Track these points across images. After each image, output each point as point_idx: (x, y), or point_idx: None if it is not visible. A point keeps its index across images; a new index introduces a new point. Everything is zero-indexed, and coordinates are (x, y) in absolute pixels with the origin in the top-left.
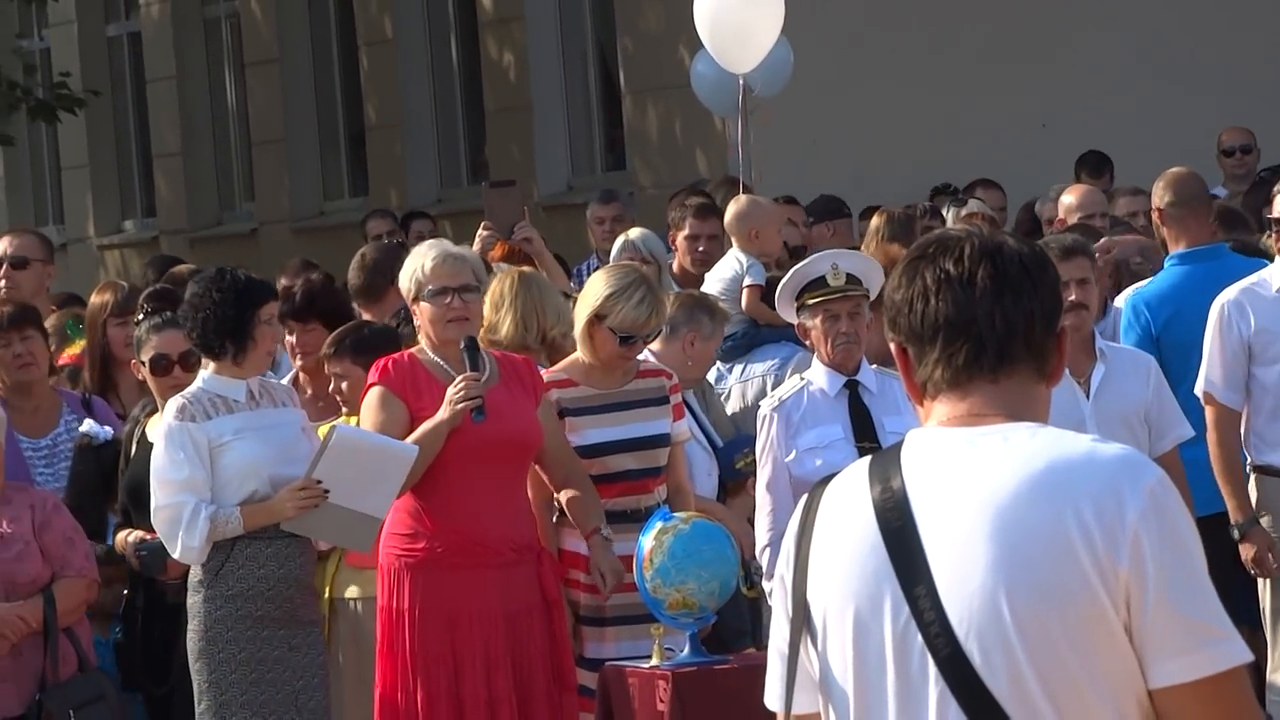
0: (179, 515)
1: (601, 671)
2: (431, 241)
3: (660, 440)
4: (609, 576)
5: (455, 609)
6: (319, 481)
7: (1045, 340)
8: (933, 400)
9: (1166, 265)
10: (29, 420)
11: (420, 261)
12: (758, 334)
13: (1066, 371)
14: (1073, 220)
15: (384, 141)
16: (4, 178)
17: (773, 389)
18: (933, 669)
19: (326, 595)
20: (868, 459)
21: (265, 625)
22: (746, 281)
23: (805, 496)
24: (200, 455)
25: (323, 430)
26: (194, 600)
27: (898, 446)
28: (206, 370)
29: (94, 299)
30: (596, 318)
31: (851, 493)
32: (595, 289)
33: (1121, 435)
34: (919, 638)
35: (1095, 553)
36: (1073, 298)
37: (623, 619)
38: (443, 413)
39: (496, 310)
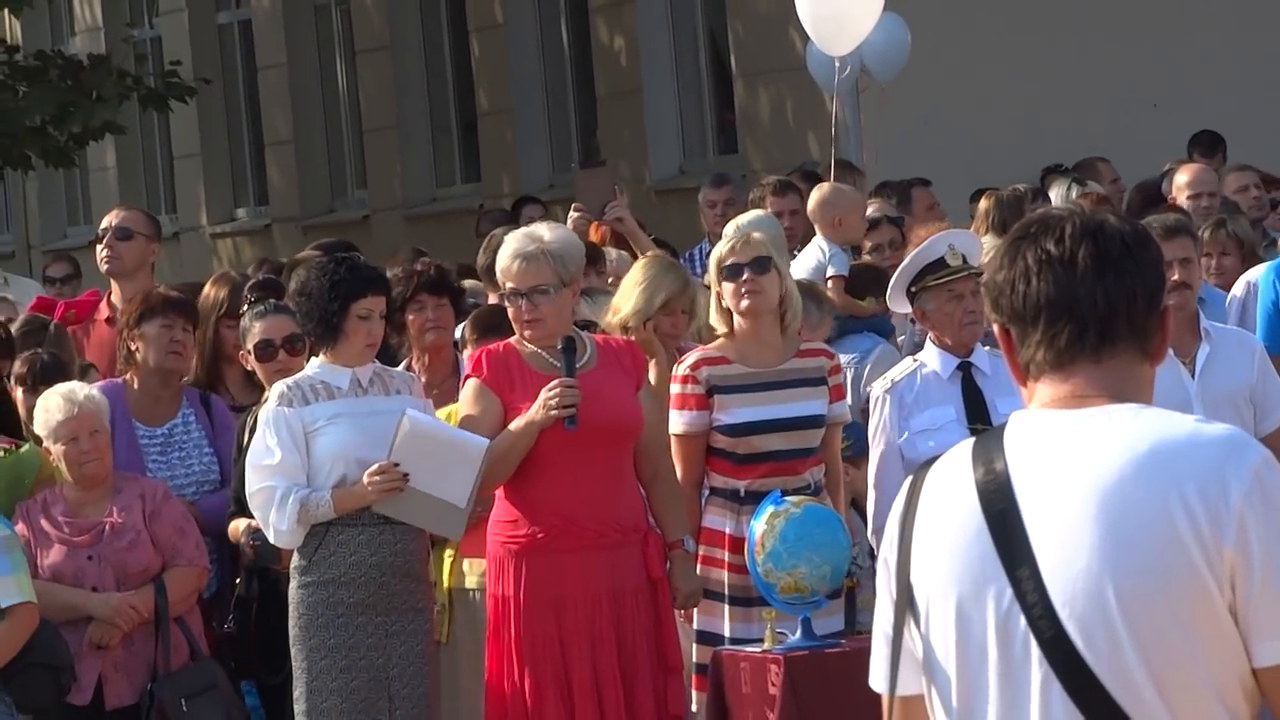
0: (270, 499)
1: (713, 655)
2: (516, 233)
3: (813, 422)
4: (681, 596)
5: (561, 593)
6: (397, 464)
7: (1148, 319)
8: (1036, 381)
9: None
10: (149, 408)
11: (499, 257)
12: (842, 325)
13: (1171, 352)
14: (1183, 199)
15: (495, 127)
16: (117, 167)
17: (853, 382)
18: (1035, 651)
19: (446, 585)
20: (971, 441)
21: (359, 612)
22: (830, 272)
23: (910, 479)
24: (295, 440)
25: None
26: (292, 587)
27: (1001, 428)
28: (317, 356)
29: (208, 291)
30: (716, 291)
31: (955, 475)
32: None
33: (1227, 415)
34: (1022, 620)
35: (1200, 533)
36: (1175, 277)
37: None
38: (536, 414)
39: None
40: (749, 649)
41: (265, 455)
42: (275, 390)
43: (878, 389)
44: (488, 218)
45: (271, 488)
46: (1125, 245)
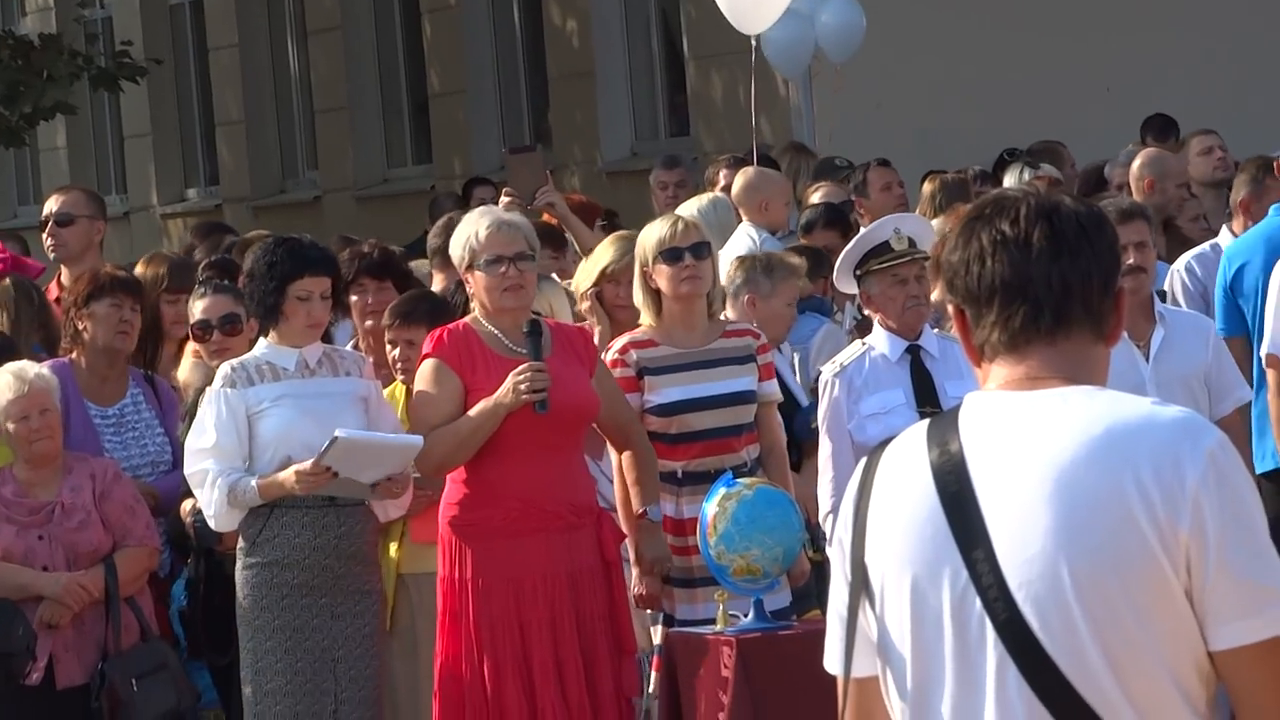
0: (202, 482)
1: (665, 636)
2: (483, 209)
3: (744, 398)
4: (647, 563)
5: (519, 575)
6: (327, 468)
7: (1103, 301)
8: (990, 363)
9: (1271, 213)
10: (98, 388)
11: (473, 229)
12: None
13: (1126, 335)
14: (1140, 186)
15: (447, 109)
16: (67, 147)
17: (800, 362)
18: (991, 633)
19: (394, 571)
20: (926, 423)
21: (303, 594)
22: None
23: (864, 460)
24: (236, 422)
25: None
26: (237, 568)
27: (956, 410)
28: (264, 337)
29: (143, 270)
30: (641, 271)
31: (910, 457)
32: (619, 249)
33: (1181, 398)
34: (977, 602)
35: (1155, 516)
36: (1131, 261)
37: (713, 580)
38: (504, 396)
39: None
40: (701, 630)
41: (201, 437)
42: (220, 371)
43: (827, 373)
44: (444, 200)
45: (204, 470)
46: (1080, 227)
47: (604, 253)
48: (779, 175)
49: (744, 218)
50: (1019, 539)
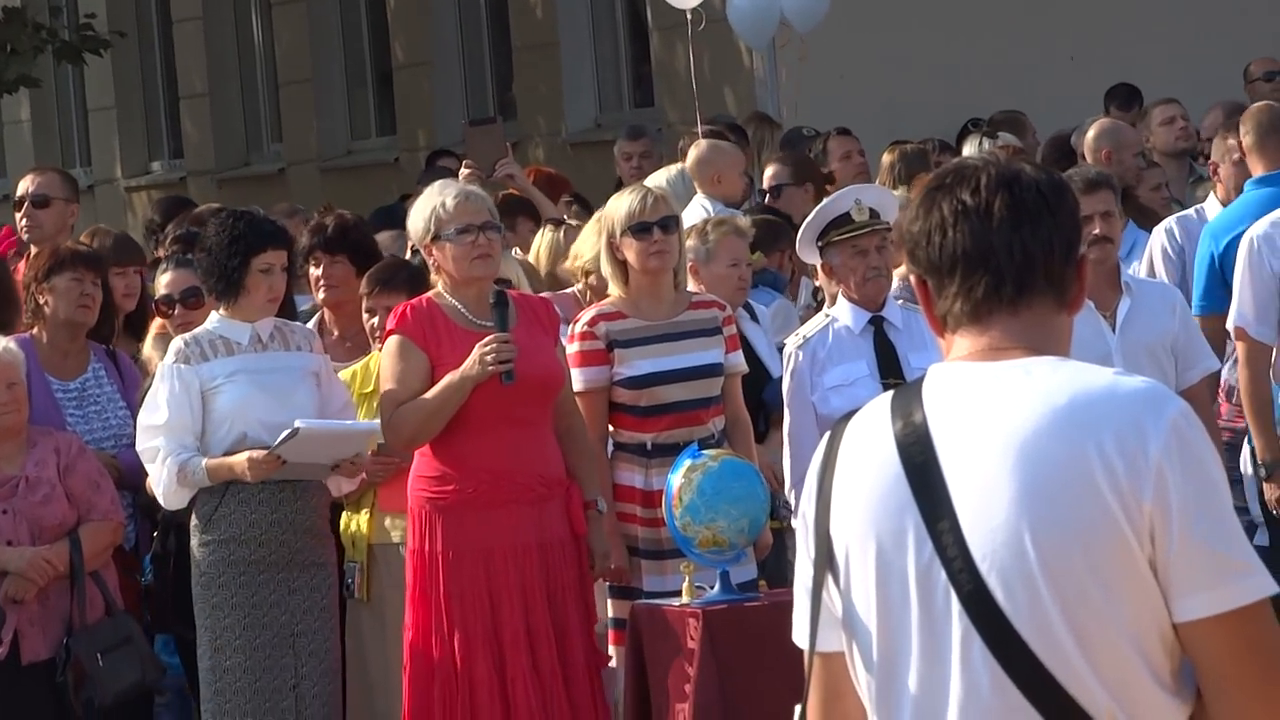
0: (153, 458)
1: (631, 609)
2: (442, 181)
3: (712, 370)
4: (598, 559)
5: (490, 546)
6: (279, 457)
7: (1065, 269)
8: (953, 334)
9: (1246, 189)
10: (59, 362)
11: (439, 200)
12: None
13: (1091, 305)
14: (1102, 156)
15: (411, 80)
16: (31, 120)
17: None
18: (956, 605)
19: (365, 542)
20: (889, 394)
21: (260, 569)
22: None
23: (829, 432)
24: (190, 398)
25: (350, 371)
26: (193, 545)
27: (920, 381)
28: (217, 311)
29: (87, 244)
30: (610, 242)
31: (874, 428)
32: (589, 227)
33: (1147, 368)
34: (942, 574)
35: (1118, 486)
36: (1097, 231)
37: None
38: (470, 368)
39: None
40: (667, 602)
41: (154, 413)
42: (173, 346)
43: (790, 345)
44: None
45: (155, 448)
46: (1041, 195)
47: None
48: (732, 147)
49: (698, 190)
50: (983, 510)
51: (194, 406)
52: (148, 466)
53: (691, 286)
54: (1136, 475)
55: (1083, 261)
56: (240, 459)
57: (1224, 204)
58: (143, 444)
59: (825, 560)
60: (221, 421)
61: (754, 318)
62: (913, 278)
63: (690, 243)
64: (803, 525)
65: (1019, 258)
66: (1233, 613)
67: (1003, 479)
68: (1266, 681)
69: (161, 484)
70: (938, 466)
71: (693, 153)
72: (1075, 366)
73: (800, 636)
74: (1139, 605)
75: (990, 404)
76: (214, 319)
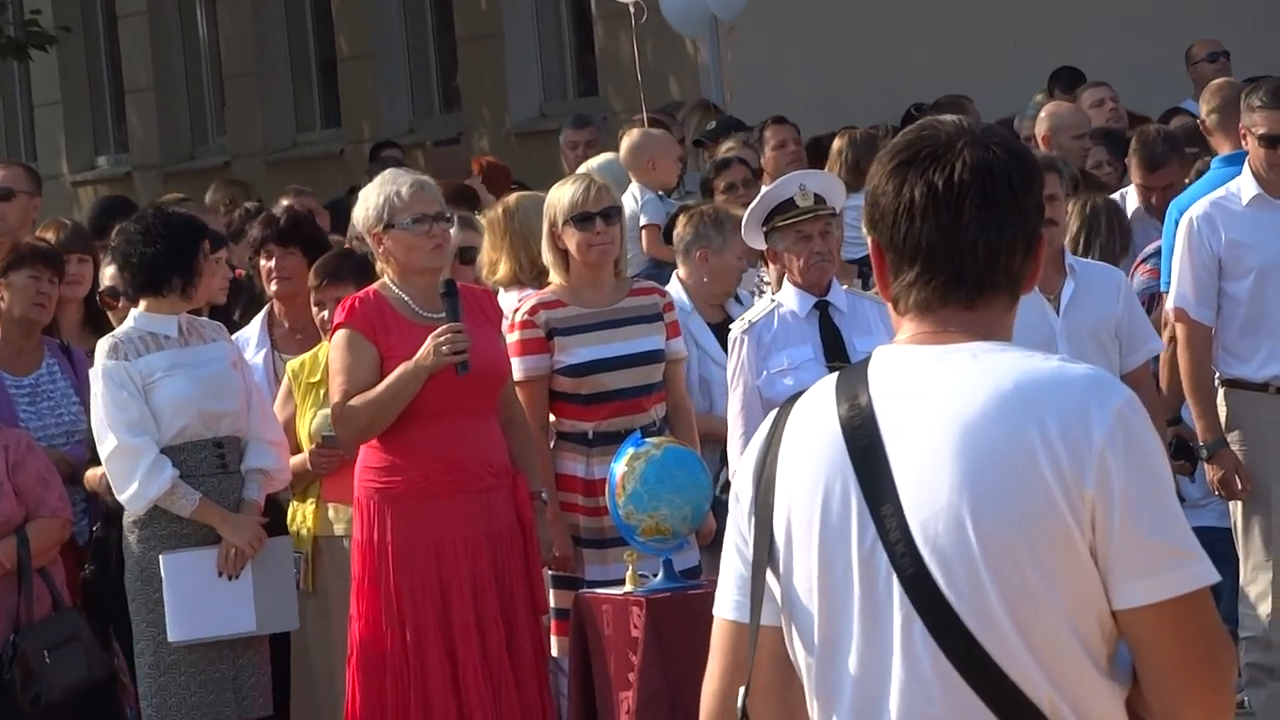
0: (138, 461)
1: (575, 598)
2: (394, 170)
3: (653, 356)
4: (543, 548)
5: (439, 536)
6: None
7: (1024, 264)
8: (903, 316)
9: (1212, 168)
10: (13, 358)
11: (393, 189)
12: (659, 274)
13: (1036, 289)
14: (1067, 139)
15: (355, 72)
16: None
17: None
18: (897, 588)
19: (309, 532)
20: (834, 376)
21: None
22: (642, 221)
23: (773, 415)
24: (140, 392)
25: (299, 361)
26: (129, 542)
27: (865, 363)
28: (137, 309)
29: (40, 235)
30: (551, 230)
31: (818, 411)
32: (532, 215)
33: (1092, 350)
34: (885, 557)
35: (1061, 473)
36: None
37: (624, 540)
38: (425, 358)
39: (495, 250)
40: (610, 591)
41: (122, 410)
42: (104, 345)
43: (736, 329)
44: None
45: (141, 446)
46: (1012, 189)
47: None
48: (665, 134)
49: (632, 178)
50: (926, 493)
51: (143, 400)
52: (119, 463)
53: (682, 271)
54: (1079, 462)
55: (1040, 244)
56: (241, 522)
57: None
58: (124, 439)
59: (765, 542)
60: (162, 415)
61: (738, 300)
62: (870, 240)
63: (701, 230)
64: (736, 504)
65: (983, 259)
66: (1171, 601)
67: (946, 463)
68: (1202, 670)
69: (154, 489)
70: (882, 450)
71: (626, 140)
72: (1021, 352)
73: (724, 607)
74: (1078, 591)
75: (935, 387)
76: (135, 315)
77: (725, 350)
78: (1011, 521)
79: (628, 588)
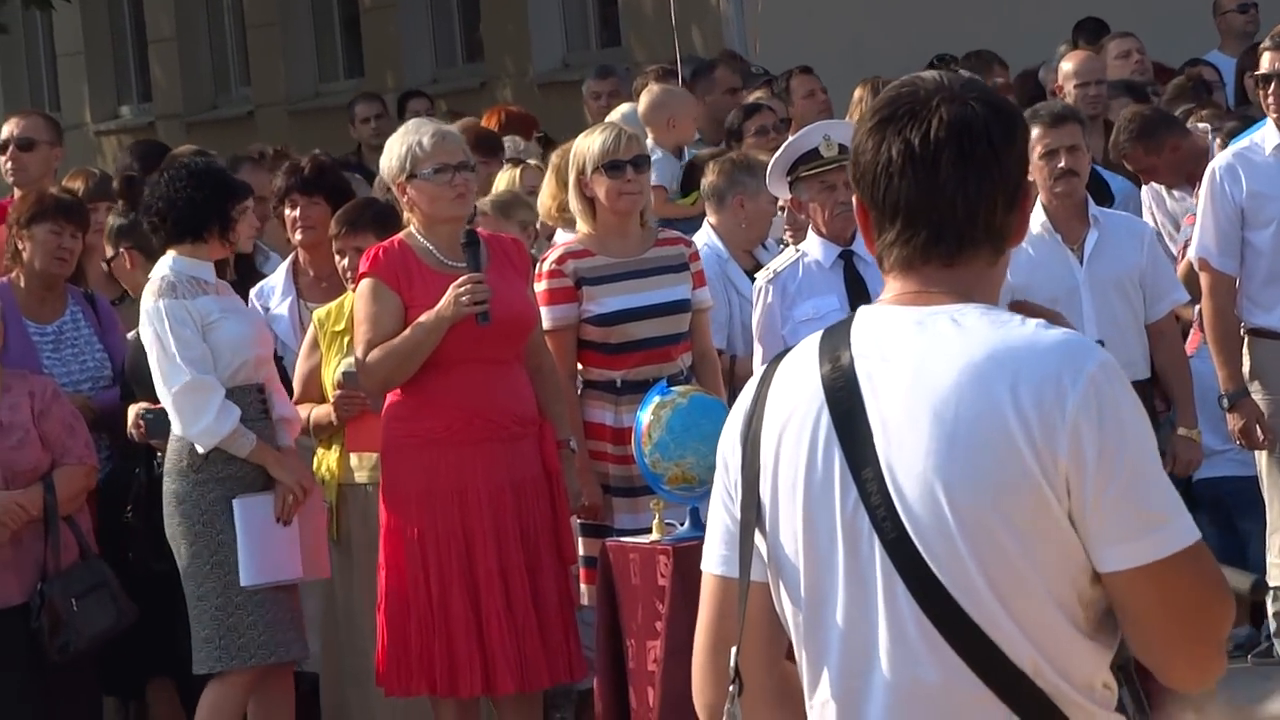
0: (210, 397)
1: (602, 547)
2: (419, 120)
3: (680, 306)
4: (571, 497)
5: (463, 485)
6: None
7: (1005, 219)
8: (888, 274)
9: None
10: (36, 307)
11: (415, 139)
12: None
13: (1059, 238)
14: (1070, 87)
15: (379, 22)
16: (0, 65)
17: None
18: (879, 550)
19: (335, 482)
20: (818, 335)
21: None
22: (652, 180)
23: (760, 373)
24: (199, 332)
25: (326, 310)
26: (180, 486)
27: (848, 321)
28: (169, 254)
29: (66, 184)
30: (579, 179)
31: (801, 371)
32: (563, 164)
33: (1115, 301)
34: (867, 520)
35: (1034, 443)
36: (1063, 164)
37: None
38: (446, 308)
39: (560, 192)
40: (637, 540)
41: (189, 347)
42: (161, 283)
43: (761, 279)
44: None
45: (210, 383)
46: (990, 144)
47: None
48: (684, 92)
49: (650, 134)
50: (904, 459)
51: (201, 340)
52: (186, 399)
53: (713, 218)
54: (1052, 430)
55: (1025, 198)
56: (292, 465)
57: None
58: (192, 374)
59: (753, 502)
60: (222, 356)
61: (765, 247)
62: (855, 199)
63: (720, 179)
64: (722, 465)
65: (961, 213)
66: (1152, 564)
67: (921, 429)
68: (1187, 626)
69: (225, 425)
70: (863, 412)
71: (644, 97)
72: (998, 318)
73: (712, 562)
74: (1057, 557)
75: (915, 353)
76: (174, 259)
77: None
78: (985, 492)
79: (655, 536)
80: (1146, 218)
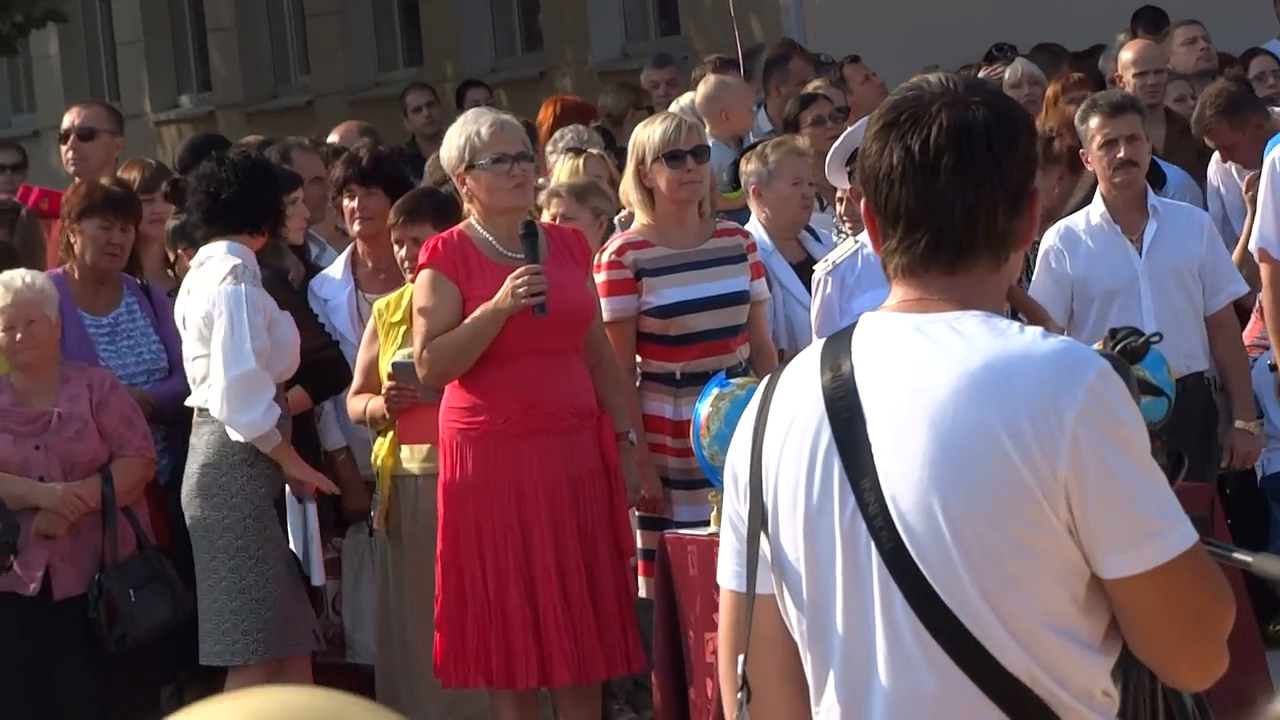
0: (264, 392)
1: (661, 539)
2: (478, 109)
3: (739, 298)
4: (630, 489)
5: (520, 478)
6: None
7: (1007, 225)
8: (892, 279)
9: None
10: (91, 298)
11: (473, 129)
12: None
13: (1118, 229)
14: (1129, 76)
15: (437, 11)
16: (60, 55)
17: None
18: (877, 560)
19: (388, 474)
20: (821, 343)
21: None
22: None
23: (764, 382)
24: (265, 324)
25: (385, 301)
26: (230, 479)
27: (851, 329)
28: (224, 242)
29: (121, 174)
30: (639, 169)
31: (805, 378)
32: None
33: (1174, 292)
34: (864, 529)
35: (1030, 456)
36: (1122, 154)
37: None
38: (503, 300)
39: None
40: (696, 532)
41: (258, 338)
42: (231, 269)
43: (819, 271)
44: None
45: (265, 377)
46: (990, 149)
47: None
48: (738, 83)
49: (707, 126)
50: (900, 470)
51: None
52: (238, 388)
53: (755, 210)
54: (1050, 441)
55: (1033, 199)
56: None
57: None
58: (254, 364)
59: (758, 510)
60: (276, 352)
61: (817, 239)
62: (862, 203)
63: (750, 166)
64: (730, 474)
65: (960, 220)
66: (1153, 570)
67: (918, 441)
68: (1189, 628)
69: (268, 423)
70: (862, 422)
71: (700, 89)
72: (997, 326)
73: (726, 576)
74: (1053, 567)
75: (913, 362)
76: (231, 250)
77: (808, 289)
78: (980, 505)
79: (713, 529)
80: (1211, 195)
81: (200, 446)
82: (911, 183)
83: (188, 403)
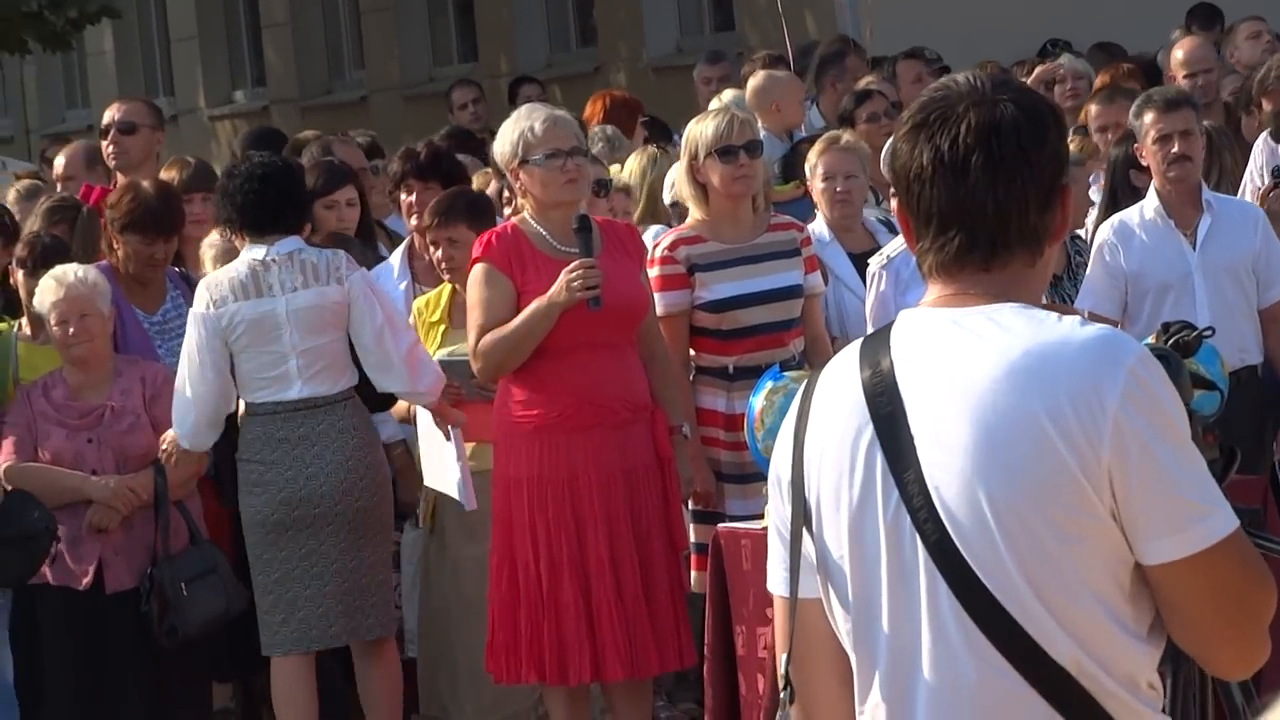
0: (428, 355)
1: (714, 533)
2: (531, 105)
3: (793, 292)
4: (684, 483)
5: (574, 472)
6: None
7: (1041, 218)
8: (927, 278)
9: None
10: (141, 297)
11: (527, 124)
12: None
13: (1172, 223)
14: (1180, 76)
15: (492, 6)
16: (114, 50)
17: None
18: (922, 552)
19: None
20: (860, 341)
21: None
22: None
23: (804, 383)
24: None
25: (425, 299)
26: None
27: (889, 326)
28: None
29: (163, 175)
30: (691, 164)
31: (843, 377)
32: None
33: (1228, 287)
34: (909, 522)
35: (1074, 442)
36: (1176, 149)
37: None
38: (558, 294)
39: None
40: (749, 526)
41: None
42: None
43: (874, 265)
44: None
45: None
46: (1020, 146)
47: None
48: (789, 76)
49: (758, 120)
50: (944, 461)
51: None
52: (417, 353)
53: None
54: (1093, 428)
55: (1065, 194)
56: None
57: None
58: (411, 335)
59: (800, 510)
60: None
61: (892, 229)
62: (895, 202)
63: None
64: (774, 478)
65: (992, 217)
66: (1195, 556)
67: (961, 431)
68: (1231, 614)
69: (426, 385)
70: (904, 416)
71: (750, 84)
72: (1035, 316)
73: (776, 583)
74: (1098, 553)
75: (952, 354)
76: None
77: (862, 279)
78: (1022, 491)
79: (766, 522)
80: (1252, 167)
81: (248, 441)
82: (942, 182)
83: (382, 389)
